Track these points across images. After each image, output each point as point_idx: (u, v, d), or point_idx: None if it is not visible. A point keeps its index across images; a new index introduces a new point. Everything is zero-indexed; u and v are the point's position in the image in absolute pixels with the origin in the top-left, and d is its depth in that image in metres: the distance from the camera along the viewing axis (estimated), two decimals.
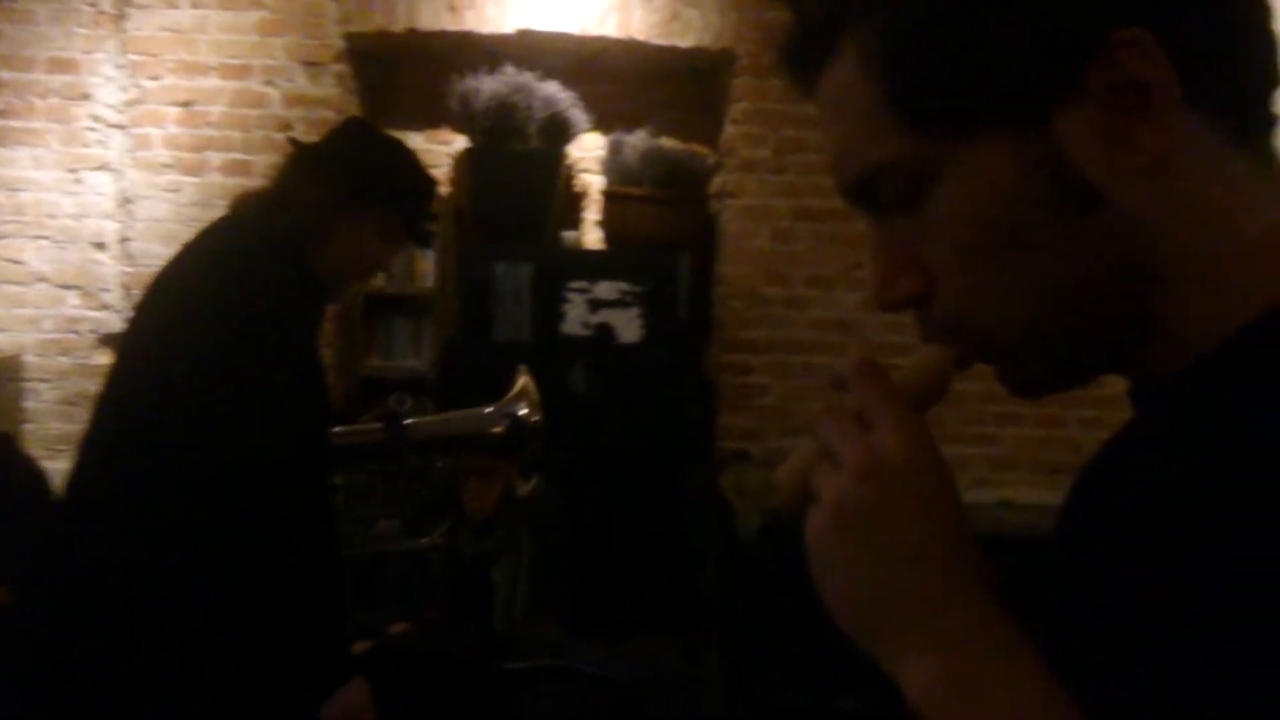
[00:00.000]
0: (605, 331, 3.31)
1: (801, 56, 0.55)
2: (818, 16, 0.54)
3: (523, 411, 1.88)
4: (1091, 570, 0.51)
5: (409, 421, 1.82)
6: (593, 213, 3.71)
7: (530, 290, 3.29)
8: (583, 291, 3.31)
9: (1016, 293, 0.51)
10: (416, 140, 3.70)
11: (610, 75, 3.65)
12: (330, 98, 3.47)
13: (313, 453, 1.53)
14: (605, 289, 3.30)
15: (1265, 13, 0.51)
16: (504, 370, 3.33)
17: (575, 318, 3.30)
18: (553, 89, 3.34)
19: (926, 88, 0.50)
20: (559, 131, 3.35)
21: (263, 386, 1.44)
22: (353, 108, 3.58)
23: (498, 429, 1.90)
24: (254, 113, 3.46)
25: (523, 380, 1.91)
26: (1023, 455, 3.53)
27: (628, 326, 3.31)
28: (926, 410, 0.55)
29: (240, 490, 1.39)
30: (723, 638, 2.96)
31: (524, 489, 2.73)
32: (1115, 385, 0.56)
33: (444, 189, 3.69)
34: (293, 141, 1.76)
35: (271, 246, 1.54)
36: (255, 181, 3.50)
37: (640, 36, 3.41)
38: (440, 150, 3.69)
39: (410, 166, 1.74)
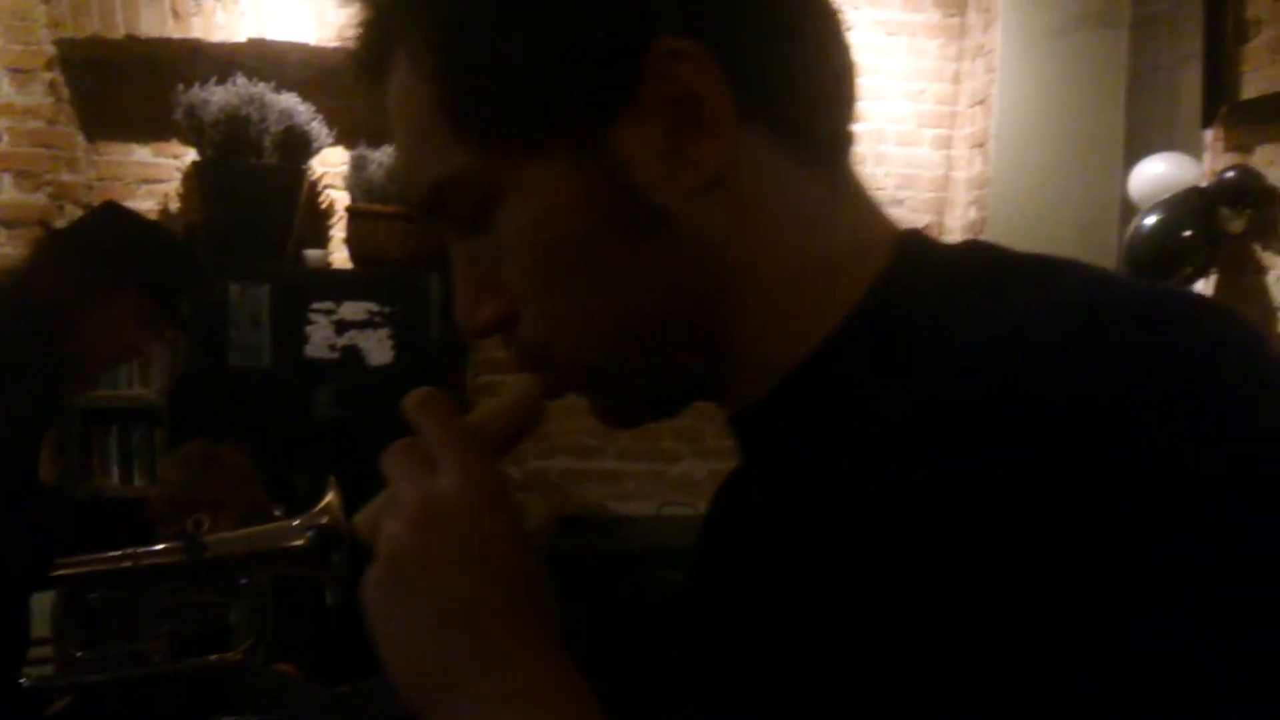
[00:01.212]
0: (353, 354, 3.18)
1: (363, 64, 0.52)
2: (372, 23, 0.51)
3: (327, 523, 1.79)
4: (711, 606, 0.51)
5: (208, 540, 1.72)
6: (340, 231, 3.57)
7: (269, 312, 3.13)
8: (327, 313, 3.17)
9: (590, 320, 0.49)
10: (143, 153, 3.46)
11: (353, 88, 3.52)
12: (41, 107, 3.20)
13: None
14: (352, 310, 3.18)
15: (836, 31, 0.51)
16: (242, 397, 3.16)
17: (320, 340, 3.16)
18: (290, 101, 3.19)
19: (477, 102, 0.47)
20: (297, 146, 3.20)
21: None
22: (67, 117, 3.31)
23: (299, 542, 1.80)
24: None
25: (330, 495, 1.83)
26: None
27: (377, 348, 3.19)
28: (516, 445, 0.52)
29: None
30: None
31: (332, 600, 2.56)
32: None
33: (174, 205, 3.47)
34: (43, 225, 1.79)
35: (15, 330, 1.51)
36: None
37: None
38: (169, 164, 3.46)
39: (167, 250, 1.73)
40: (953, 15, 3.86)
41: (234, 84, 3.18)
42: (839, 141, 0.51)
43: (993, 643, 0.36)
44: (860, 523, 0.40)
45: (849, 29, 0.51)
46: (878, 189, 4.04)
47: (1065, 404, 0.36)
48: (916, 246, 0.49)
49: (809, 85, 0.49)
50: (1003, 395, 0.38)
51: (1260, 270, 2.88)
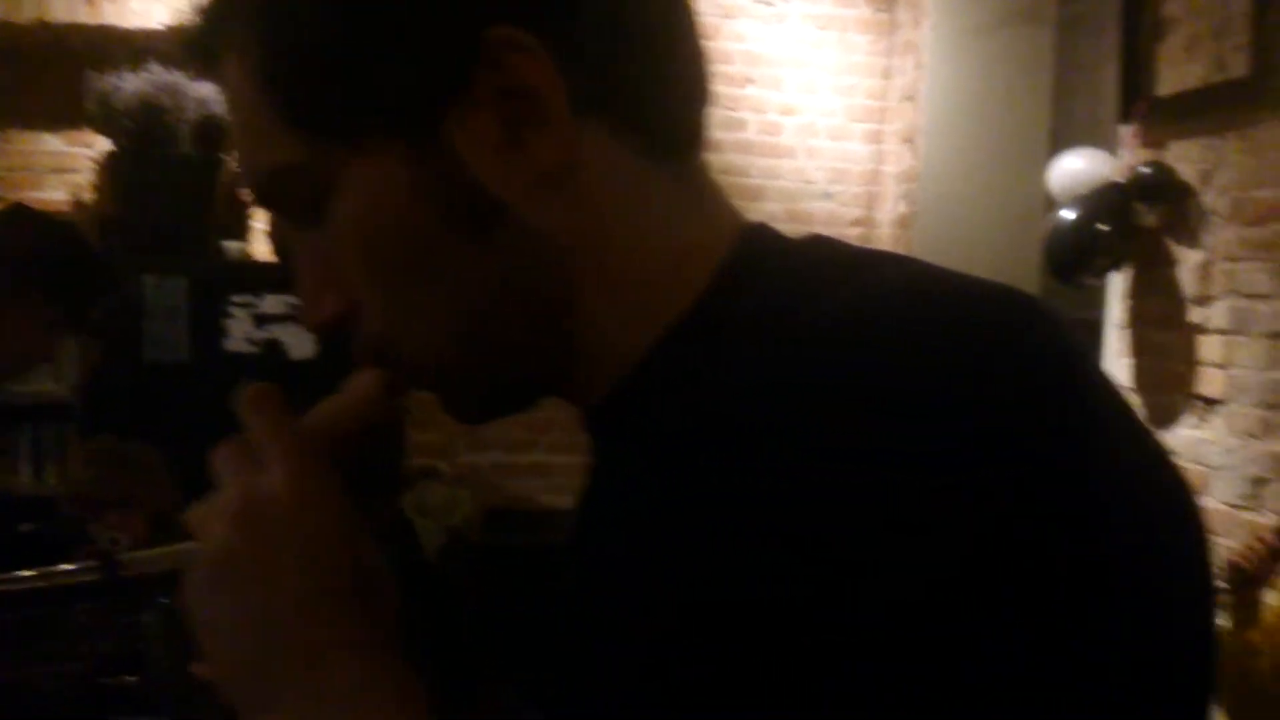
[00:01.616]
0: (274, 348, 3.11)
1: (194, 49, 0.51)
2: (203, 10, 0.50)
3: None
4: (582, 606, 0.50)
5: (124, 558, 1.67)
6: (260, 222, 3.48)
7: (186, 306, 3.04)
8: (247, 306, 3.09)
9: (429, 316, 0.48)
10: (54, 142, 3.34)
11: None
12: None
13: None
14: (273, 303, 3.10)
15: (687, 21, 0.50)
16: (158, 393, 3.07)
17: (240, 334, 3.08)
18: (207, 89, 3.09)
19: (305, 93, 0.46)
20: (214, 135, 3.10)
21: None
22: None
23: None
24: None
25: None
26: None
27: (299, 342, 3.12)
28: (358, 442, 0.50)
29: None
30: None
31: None
32: None
33: (86, 195, 3.35)
34: None
35: None
36: None
37: None
38: (81, 153, 3.34)
39: (75, 255, 1.66)
40: (882, 11, 3.90)
41: (148, 71, 3.08)
42: (687, 134, 0.51)
43: (848, 632, 0.36)
44: (688, 519, 0.41)
45: (701, 18, 0.51)
46: (807, 182, 4.07)
47: (877, 398, 0.37)
48: (759, 240, 0.50)
49: (655, 78, 0.48)
50: (822, 390, 0.38)
51: (1172, 263, 2.96)
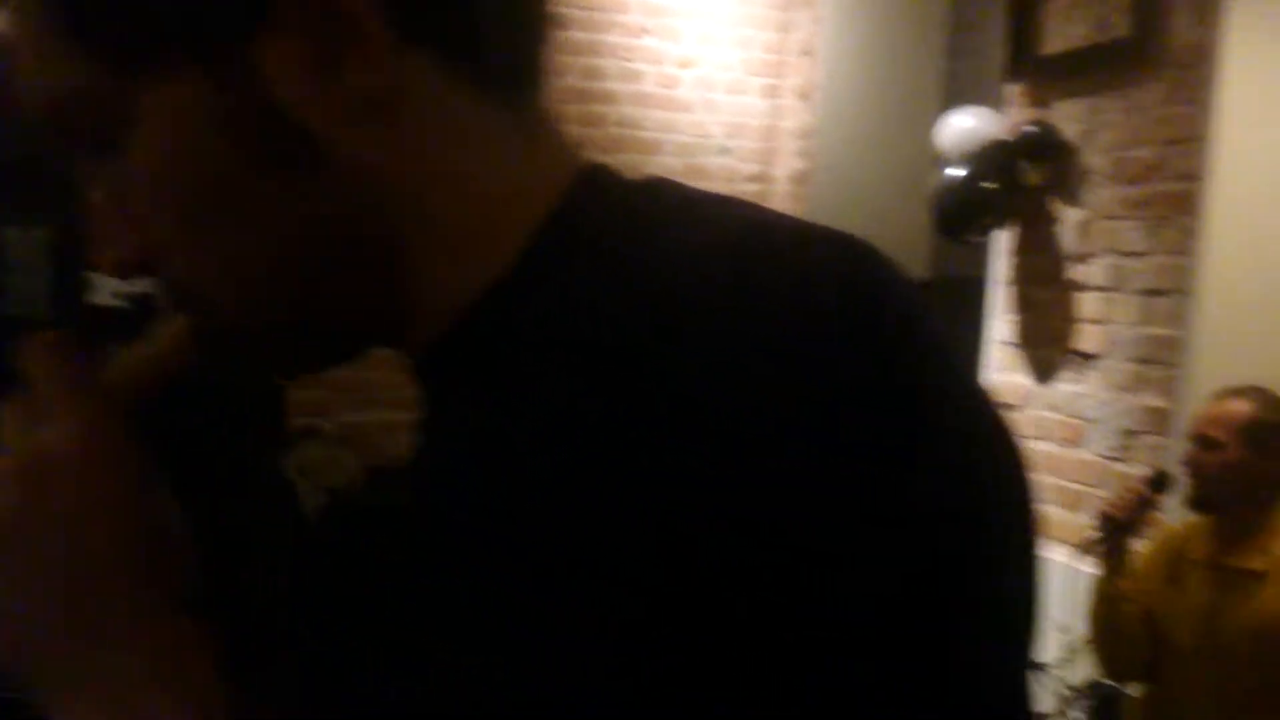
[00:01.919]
0: (144, 301, 2.95)
1: None
2: None
3: None
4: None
5: None
6: None
7: (47, 258, 2.86)
8: None
9: (235, 260, 0.44)
10: None
11: None
12: None
13: None
14: None
15: None
16: (16, 350, 2.89)
17: (106, 287, 2.92)
18: None
19: (96, 11, 0.42)
20: None
21: None
22: None
23: None
24: None
25: None
26: None
27: None
28: (157, 395, 0.47)
29: None
30: (286, 624, 2.79)
31: None
32: None
33: None
34: None
35: None
36: None
37: None
38: None
39: None
40: None
41: (8, 10, 2.86)
42: (523, 70, 0.48)
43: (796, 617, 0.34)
44: (544, 477, 0.38)
45: None
46: (704, 137, 4.02)
47: (698, 344, 0.36)
48: (596, 182, 0.47)
49: (488, 8, 0.45)
50: (644, 336, 0.37)
51: (1054, 221, 3.04)
